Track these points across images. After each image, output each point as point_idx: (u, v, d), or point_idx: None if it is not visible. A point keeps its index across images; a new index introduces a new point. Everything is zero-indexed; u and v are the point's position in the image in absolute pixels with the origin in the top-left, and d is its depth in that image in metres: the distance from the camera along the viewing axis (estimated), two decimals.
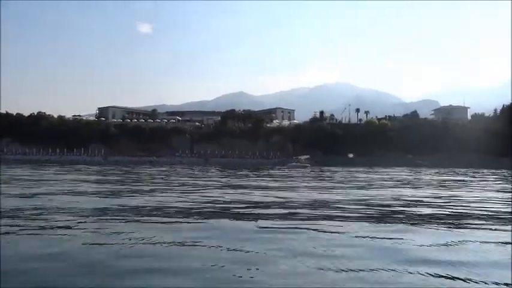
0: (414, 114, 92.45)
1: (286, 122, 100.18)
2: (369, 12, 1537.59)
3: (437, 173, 38.03)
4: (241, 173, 34.02)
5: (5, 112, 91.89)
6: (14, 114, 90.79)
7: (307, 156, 61.49)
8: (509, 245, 5.62)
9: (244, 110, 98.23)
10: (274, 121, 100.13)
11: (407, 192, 15.02)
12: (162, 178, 24.41)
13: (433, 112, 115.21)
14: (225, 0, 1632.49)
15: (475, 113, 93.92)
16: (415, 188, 18.02)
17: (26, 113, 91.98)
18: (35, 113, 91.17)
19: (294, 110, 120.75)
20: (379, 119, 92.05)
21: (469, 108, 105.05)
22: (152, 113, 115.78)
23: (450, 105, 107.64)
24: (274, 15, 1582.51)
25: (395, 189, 16.88)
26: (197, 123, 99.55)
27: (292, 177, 27.64)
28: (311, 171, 40.54)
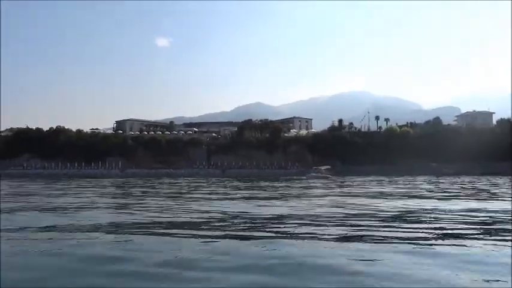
0: (437, 120, 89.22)
1: (303, 131, 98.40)
2: (385, 19, 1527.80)
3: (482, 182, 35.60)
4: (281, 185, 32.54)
5: (25, 127, 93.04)
6: (34, 128, 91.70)
7: (328, 167, 59.15)
8: None
9: (261, 120, 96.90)
10: (292, 130, 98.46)
11: None
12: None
13: (456, 118, 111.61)
14: (241, 14, 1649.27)
15: (501, 118, 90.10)
16: None
17: (46, 127, 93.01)
18: (54, 127, 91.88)
19: (311, 119, 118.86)
20: (400, 126, 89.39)
21: (494, 113, 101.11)
22: (169, 125, 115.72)
23: (474, 111, 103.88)
24: (292, 26, 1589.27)
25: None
26: (214, 134, 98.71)
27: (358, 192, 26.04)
28: (341, 182, 38.71)
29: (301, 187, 29.45)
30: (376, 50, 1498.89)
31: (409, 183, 32.88)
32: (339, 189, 26.11)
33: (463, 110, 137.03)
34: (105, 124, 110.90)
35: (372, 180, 37.74)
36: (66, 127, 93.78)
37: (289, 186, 30.52)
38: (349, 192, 22.71)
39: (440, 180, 38.10)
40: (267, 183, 35.03)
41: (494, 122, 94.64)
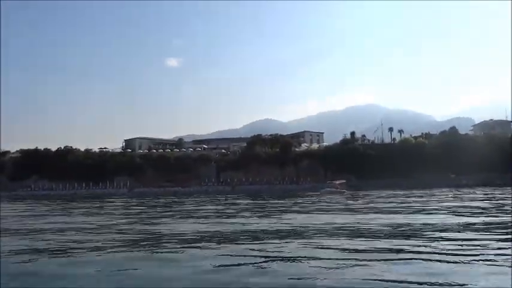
0: (453, 130, 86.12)
1: (315, 145, 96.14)
2: (392, 32, 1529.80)
3: None
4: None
5: (33, 148, 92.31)
6: (42, 149, 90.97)
7: (343, 181, 56.19)
8: None
9: (271, 135, 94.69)
10: (303, 145, 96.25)
11: None
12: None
13: (472, 128, 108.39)
14: (249, 31, 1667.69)
15: None
16: None
17: (55, 148, 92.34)
18: (62, 147, 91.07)
19: (322, 133, 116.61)
20: (414, 137, 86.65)
21: (511, 121, 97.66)
22: (178, 142, 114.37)
23: (491, 119, 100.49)
24: (299, 40, 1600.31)
25: None
26: (223, 151, 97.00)
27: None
28: (356, 197, 36.37)
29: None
30: (385, 63, 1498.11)
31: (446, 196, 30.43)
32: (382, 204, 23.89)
33: (477, 120, 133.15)
34: (117, 144, 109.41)
35: (411, 195, 35.01)
36: (74, 147, 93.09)
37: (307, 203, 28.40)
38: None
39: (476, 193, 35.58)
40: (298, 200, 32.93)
41: None
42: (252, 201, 32.93)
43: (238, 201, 33.50)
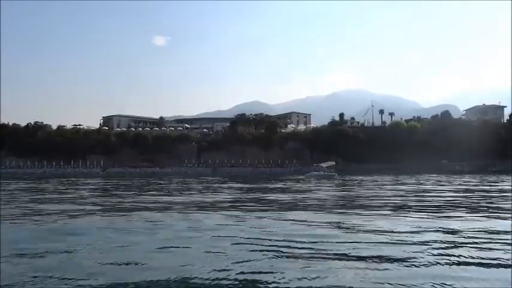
0: (446, 114, 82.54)
1: (302, 127, 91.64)
2: (383, 18, 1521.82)
3: None
4: None
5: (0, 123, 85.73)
6: (10, 124, 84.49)
7: (332, 163, 50.70)
8: None
9: (255, 115, 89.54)
10: (289, 126, 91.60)
11: None
12: None
13: (464, 112, 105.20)
14: (239, 13, 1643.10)
15: None
16: None
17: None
18: (32, 123, 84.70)
19: (310, 115, 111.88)
20: (406, 121, 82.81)
21: (505, 107, 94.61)
22: (159, 121, 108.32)
23: (484, 104, 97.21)
24: (289, 25, 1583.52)
25: None
26: (205, 130, 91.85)
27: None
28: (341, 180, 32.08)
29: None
30: (373, 48, 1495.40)
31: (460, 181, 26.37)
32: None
33: (462, 108, 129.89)
34: (97, 123, 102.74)
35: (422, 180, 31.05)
36: (46, 123, 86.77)
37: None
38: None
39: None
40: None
41: (506, 116, 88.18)
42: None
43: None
